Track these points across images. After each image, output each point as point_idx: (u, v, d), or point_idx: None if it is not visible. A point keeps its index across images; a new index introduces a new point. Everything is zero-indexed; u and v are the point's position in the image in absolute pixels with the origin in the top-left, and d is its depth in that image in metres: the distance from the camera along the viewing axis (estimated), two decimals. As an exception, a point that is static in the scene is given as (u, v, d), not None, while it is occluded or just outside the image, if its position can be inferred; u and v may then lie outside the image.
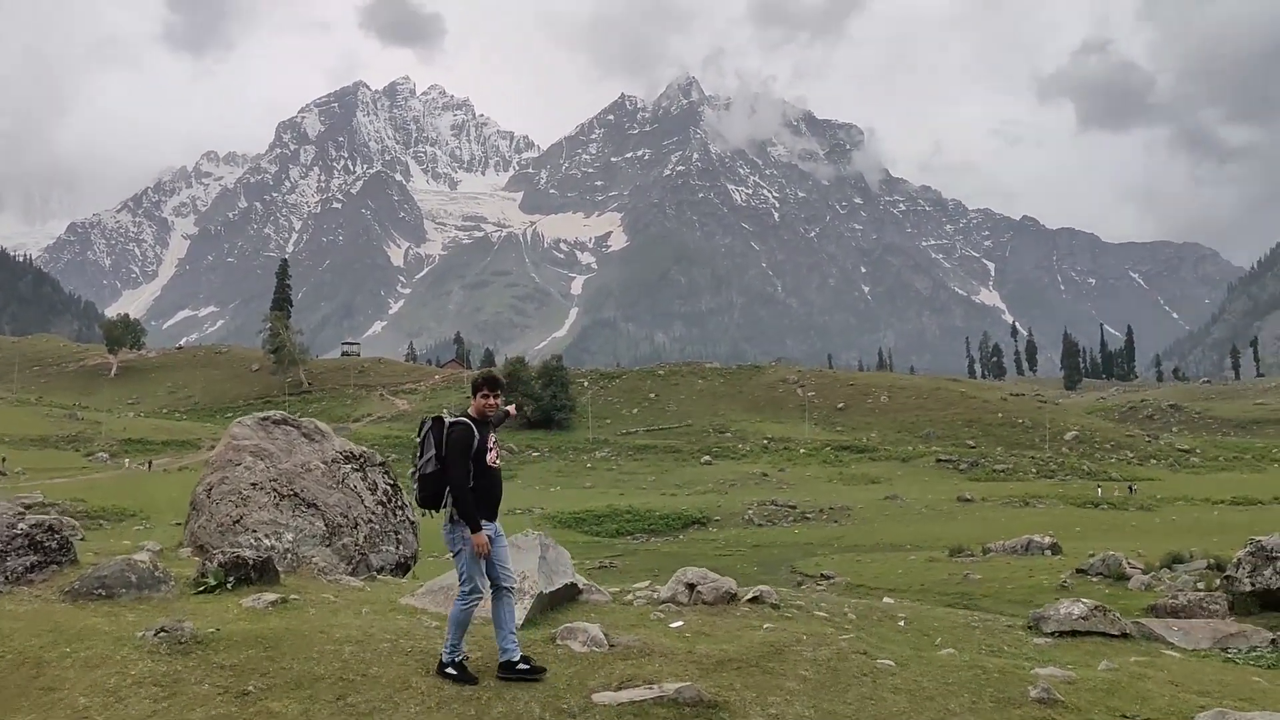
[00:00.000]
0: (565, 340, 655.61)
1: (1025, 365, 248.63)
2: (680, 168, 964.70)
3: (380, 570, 10.07)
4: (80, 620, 6.27)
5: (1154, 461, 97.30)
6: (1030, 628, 9.16)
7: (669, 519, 59.82)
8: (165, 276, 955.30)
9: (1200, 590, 23.27)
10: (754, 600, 8.61)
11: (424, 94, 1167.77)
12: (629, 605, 8.82)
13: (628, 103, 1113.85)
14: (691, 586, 8.70)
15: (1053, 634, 8.78)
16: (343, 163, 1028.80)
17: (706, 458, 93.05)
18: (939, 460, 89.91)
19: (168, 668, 5.61)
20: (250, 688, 5.48)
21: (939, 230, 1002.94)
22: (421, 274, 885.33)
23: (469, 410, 6.77)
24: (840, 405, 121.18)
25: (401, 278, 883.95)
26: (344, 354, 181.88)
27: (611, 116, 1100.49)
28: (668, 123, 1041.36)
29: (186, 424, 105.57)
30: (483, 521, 6.46)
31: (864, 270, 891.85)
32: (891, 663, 6.67)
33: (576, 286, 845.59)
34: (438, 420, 6.69)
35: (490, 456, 6.60)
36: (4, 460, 67.96)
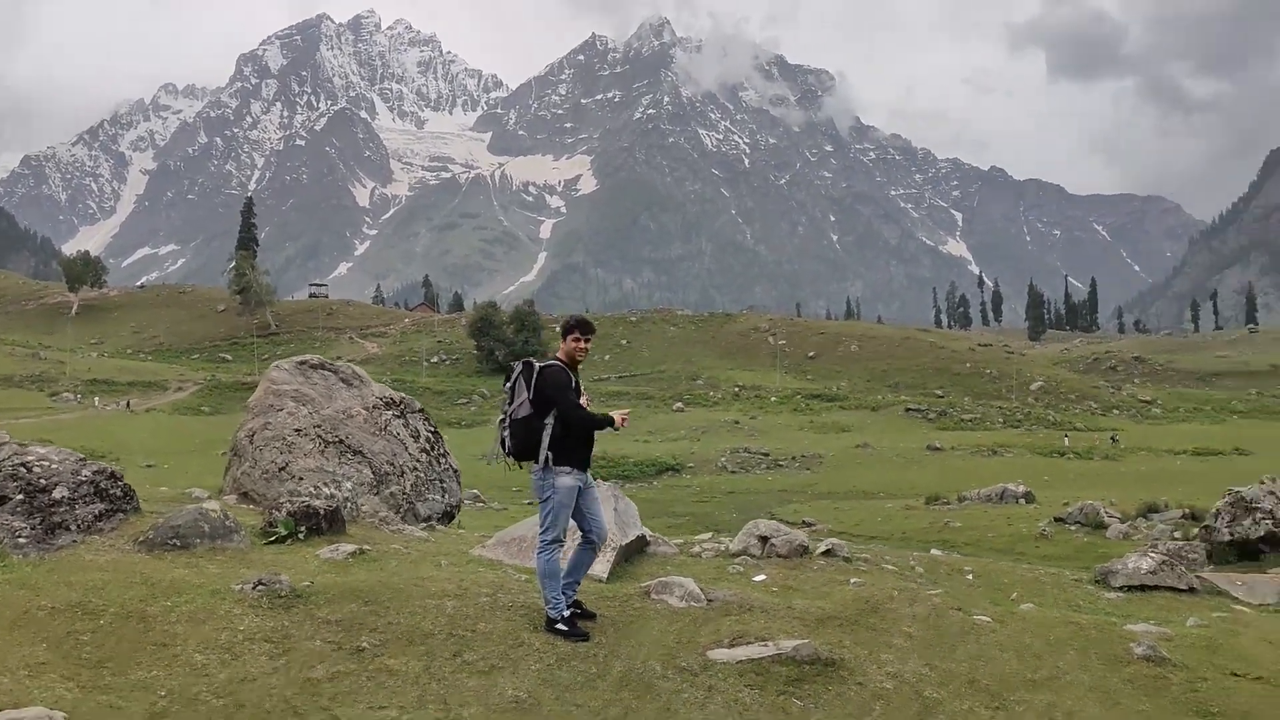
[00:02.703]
0: (534, 285, 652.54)
1: (991, 316, 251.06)
2: (651, 111, 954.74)
3: (428, 519, 9.95)
4: (166, 572, 6.12)
5: (1117, 412, 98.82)
6: (1098, 581, 9.22)
7: (643, 465, 59.80)
8: (124, 213, 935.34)
9: (1178, 539, 23.70)
10: (826, 553, 8.60)
11: (389, 29, 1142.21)
12: (698, 558, 8.77)
13: (598, 43, 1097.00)
14: (764, 539, 8.65)
15: (1122, 588, 8.85)
16: (306, 98, 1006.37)
17: (679, 405, 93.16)
18: (908, 409, 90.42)
19: (275, 623, 5.49)
20: (364, 644, 5.38)
21: (908, 179, 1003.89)
22: (388, 215, 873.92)
23: (558, 354, 6.60)
24: (811, 354, 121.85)
25: (368, 218, 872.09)
26: (311, 295, 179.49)
27: (582, 57, 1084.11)
28: (639, 64, 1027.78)
29: (152, 365, 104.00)
30: (573, 471, 6.31)
31: (833, 219, 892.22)
32: (989, 619, 6.68)
33: (545, 230, 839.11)
34: (528, 364, 6.51)
35: (584, 400, 6.44)
36: (-32, 399, 66.69)
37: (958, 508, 35.83)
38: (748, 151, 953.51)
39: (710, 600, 6.73)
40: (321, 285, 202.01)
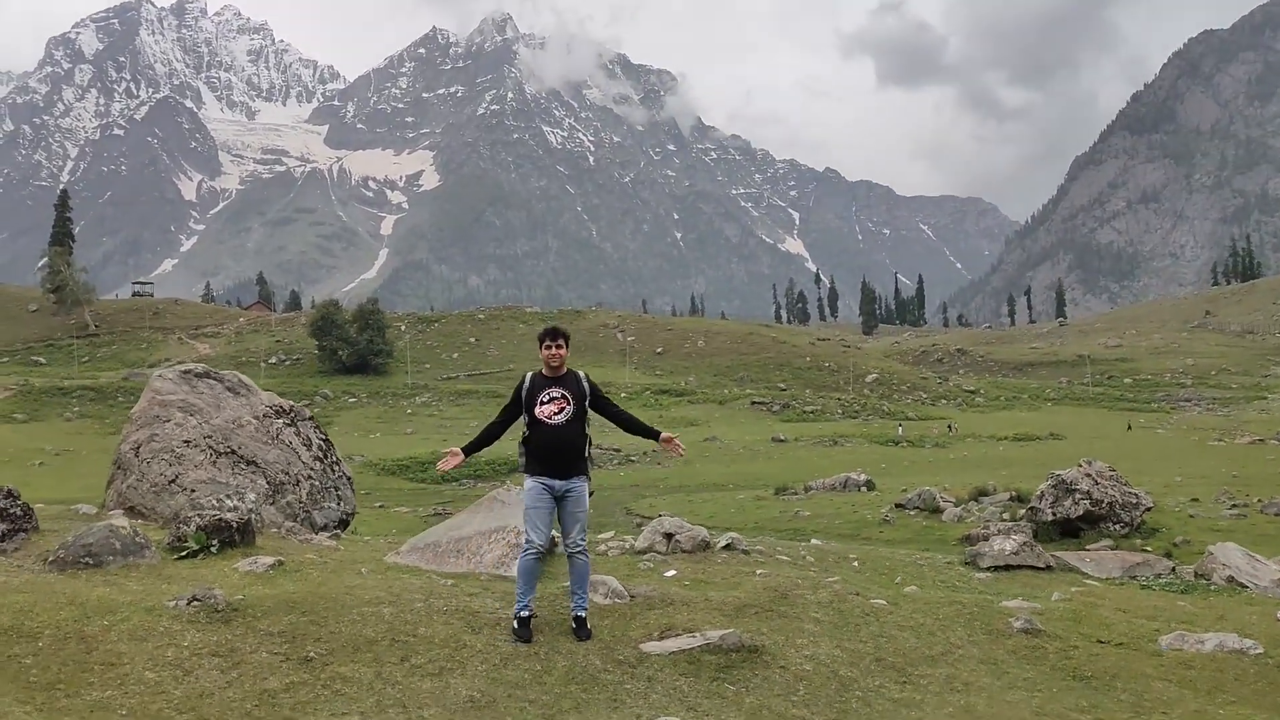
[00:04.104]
0: (375, 282, 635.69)
1: (828, 311, 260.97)
2: (495, 106, 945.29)
3: (325, 528, 9.82)
4: (89, 591, 5.95)
5: (944, 401, 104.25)
6: (968, 564, 10.04)
7: (495, 464, 58.94)
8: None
9: (1006, 520, 25.43)
10: (727, 547, 9.05)
11: (217, 15, 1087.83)
12: (606, 556, 9.06)
13: (440, 36, 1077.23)
14: (669, 536, 9.01)
15: (989, 568, 9.68)
16: (125, 85, 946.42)
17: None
18: (753, 403, 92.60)
19: (218, 637, 5.46)
20: (311, 653, 5.41)
21: (748, 179, 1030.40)
22: (217, 209, 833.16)
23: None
24: (659, 350, 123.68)
25: (194, 213, 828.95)
26: (135, 294, 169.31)
27: (423, 50, 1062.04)
28: (482, 59, 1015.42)
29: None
30: (533, 477, 6.56)
31: (676, 216, 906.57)
32: (884, 602, 7.28)
33: (386, 226, 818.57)
34: None
35: (543, 410, 6.57)
36: None
37: (805, 497, 36.97)
38: (592, 149, 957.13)
39: (633, 596, 7.08)
40: (146, 283, 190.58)
